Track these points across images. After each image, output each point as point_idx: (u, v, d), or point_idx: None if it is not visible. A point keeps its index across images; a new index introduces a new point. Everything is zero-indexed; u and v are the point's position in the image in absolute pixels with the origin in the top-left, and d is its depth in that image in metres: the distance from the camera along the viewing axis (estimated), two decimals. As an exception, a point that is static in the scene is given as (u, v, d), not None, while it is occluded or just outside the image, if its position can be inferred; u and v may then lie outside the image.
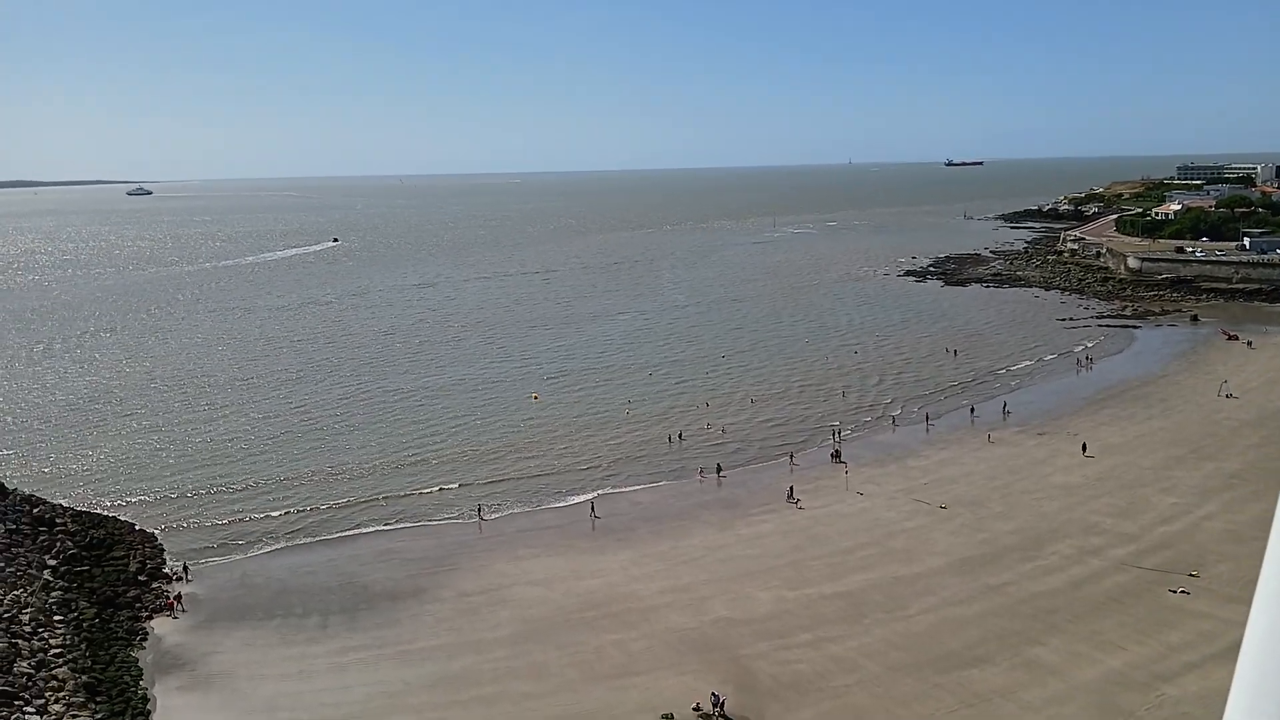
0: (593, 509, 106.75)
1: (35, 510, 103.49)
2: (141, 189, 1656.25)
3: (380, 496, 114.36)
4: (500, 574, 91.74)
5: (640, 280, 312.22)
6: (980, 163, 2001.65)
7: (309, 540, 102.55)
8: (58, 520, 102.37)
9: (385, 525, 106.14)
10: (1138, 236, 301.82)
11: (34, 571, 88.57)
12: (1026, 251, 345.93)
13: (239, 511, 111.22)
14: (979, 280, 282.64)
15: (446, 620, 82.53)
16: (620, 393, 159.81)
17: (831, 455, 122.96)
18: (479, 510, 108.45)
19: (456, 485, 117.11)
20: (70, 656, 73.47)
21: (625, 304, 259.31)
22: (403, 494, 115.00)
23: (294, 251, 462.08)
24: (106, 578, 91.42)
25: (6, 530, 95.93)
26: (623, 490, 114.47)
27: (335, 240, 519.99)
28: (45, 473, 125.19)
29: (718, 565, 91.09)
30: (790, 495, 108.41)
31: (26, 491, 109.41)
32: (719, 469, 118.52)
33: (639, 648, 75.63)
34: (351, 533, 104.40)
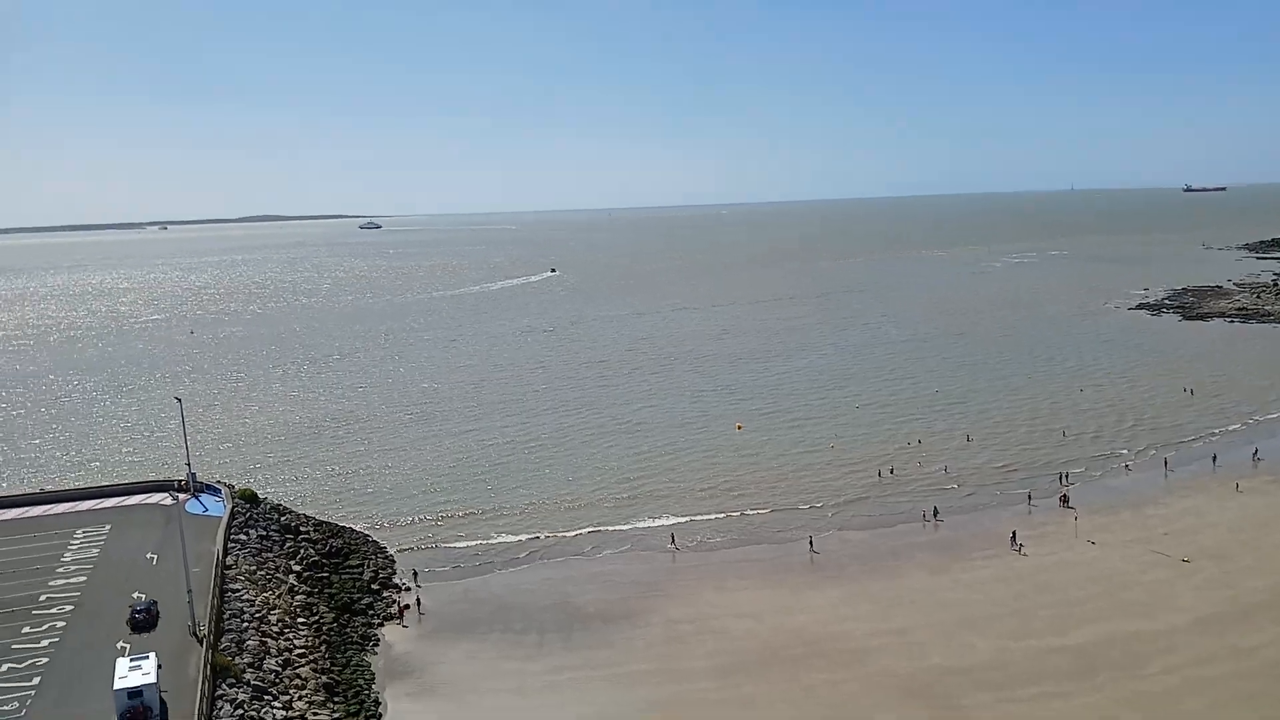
0: (811, 544, 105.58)
1: (283, 519, 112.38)
2: (372, 223, 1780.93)
3: (592, 520, 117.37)
4: (709, 603, 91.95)
5: (849, 312, 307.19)
6: (1223, 188, 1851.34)
7: (526, 559, 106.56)
8: (302, 529, 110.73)
9: (596, 548, 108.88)
10: None
11: (281, 575, 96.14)
12: (1276, 284, 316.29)
13: (462, 528, 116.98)
14: (1221, 315, 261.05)
15: (656, 646, 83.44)
16: (827, 426, 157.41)
17: (1060, 500, 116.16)
18: (672, 538, 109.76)
19: (663, 513, 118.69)
20: (312, 657, 79.13)
21: (834, 336, 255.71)
22: (613, 519, 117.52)
23: (514, 282, 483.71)
24: (343, 584, 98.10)
25: (258, 536, 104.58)
26: (832, 527, 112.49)
27: (553, 271, 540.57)
28: (291, 485, 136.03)
29: (934, 609, 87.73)
30: (1013, 540, 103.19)
31: (275, 501, 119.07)
32: (935, 512, 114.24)
33: (851, 690, 73.79)
34: (564, 555, 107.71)
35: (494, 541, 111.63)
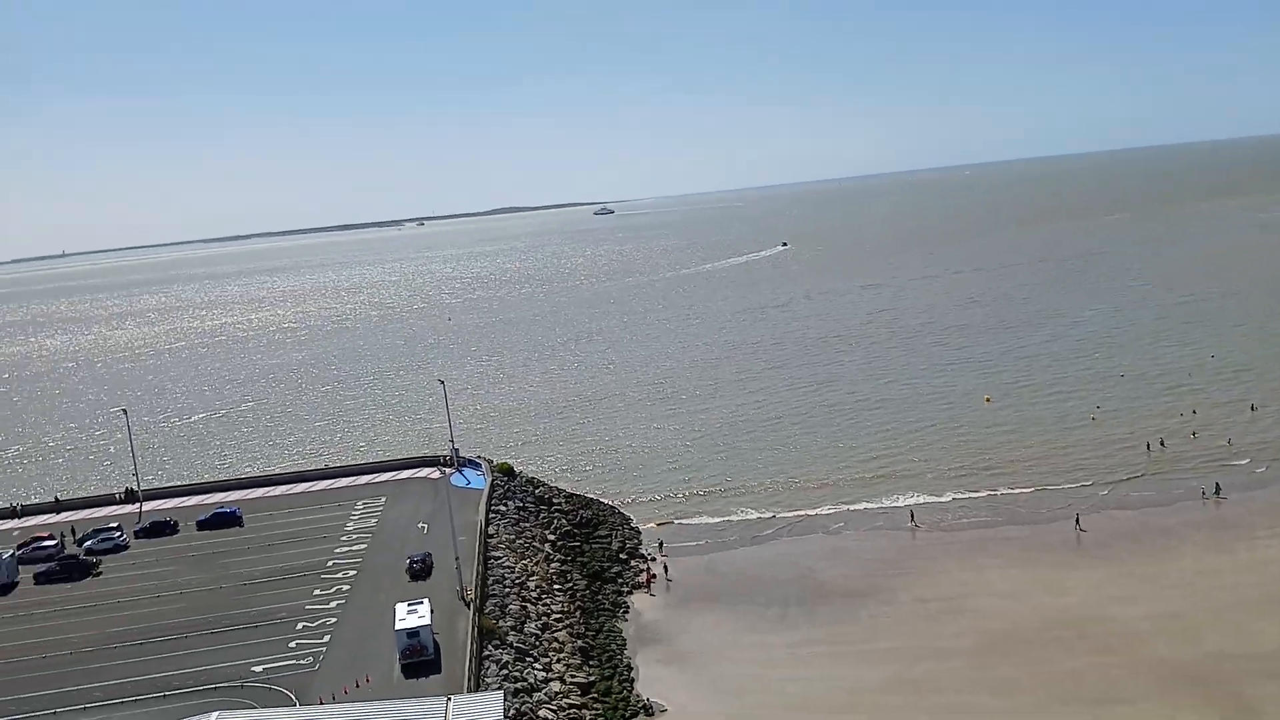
0: (1077, 522, 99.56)
1: (537, 491, 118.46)
2: (605, 208, 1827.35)
3: (832, 498, 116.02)
4: (959, 582, 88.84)
5: (1105, 274, 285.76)
6: None
7: (767, 534, 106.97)
8: (554, 500, 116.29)
9: (837, 525, 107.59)
10: None
11: (537, 544, 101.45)
12: None
13: (704, 503, 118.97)
14: None
15: (905, 623, 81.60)
16: (1086, 396, 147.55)
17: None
18: (911, 516, 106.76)
19: (907, 491, 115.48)
20: (567, 622, 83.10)
21: (1090, 301, 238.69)
22: (853, 497, 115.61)
23: (745, 258, 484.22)
24: (594, 554, 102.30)
25: (516, 507, 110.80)
26: (1098, 504, 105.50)
27: (784, 245, 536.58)
28: (543, 459, 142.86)
29: (1213, 592, 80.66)
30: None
31: (529, 474, 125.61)
32: (1217, 489, 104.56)
33: (1120, 675, 69.19)
34: (805, 531, 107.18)
35: (735, 516, 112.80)
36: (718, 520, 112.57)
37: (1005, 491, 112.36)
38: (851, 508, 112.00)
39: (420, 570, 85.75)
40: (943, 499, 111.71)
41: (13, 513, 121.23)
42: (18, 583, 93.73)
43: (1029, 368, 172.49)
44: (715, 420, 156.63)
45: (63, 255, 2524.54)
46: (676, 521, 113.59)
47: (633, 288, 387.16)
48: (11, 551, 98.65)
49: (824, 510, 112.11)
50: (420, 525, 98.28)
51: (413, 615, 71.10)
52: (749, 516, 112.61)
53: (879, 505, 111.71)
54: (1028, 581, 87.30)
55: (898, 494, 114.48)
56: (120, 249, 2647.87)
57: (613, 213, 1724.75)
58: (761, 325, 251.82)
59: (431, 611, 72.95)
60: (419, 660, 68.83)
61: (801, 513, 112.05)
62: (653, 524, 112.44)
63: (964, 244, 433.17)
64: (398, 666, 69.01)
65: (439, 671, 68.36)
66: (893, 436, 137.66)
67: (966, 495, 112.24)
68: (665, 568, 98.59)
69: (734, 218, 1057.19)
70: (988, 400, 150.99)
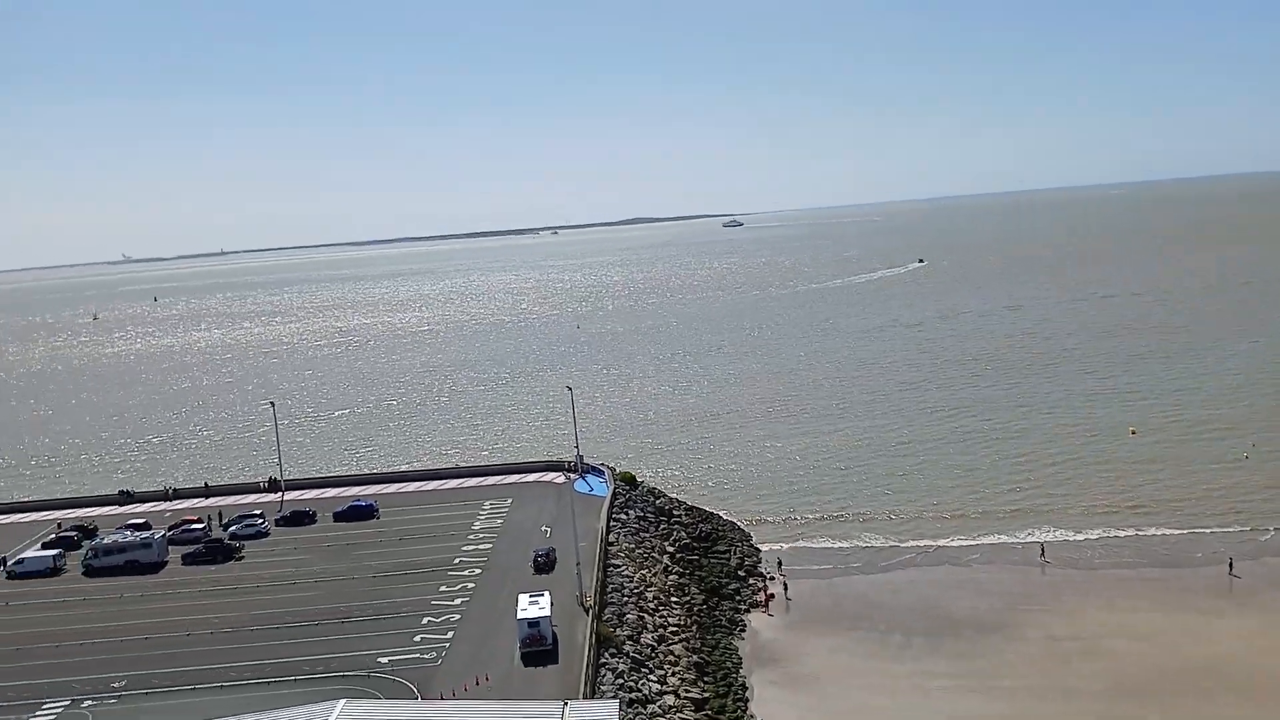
0: (1230, 567, 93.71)
1: (658, 501, 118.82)
2: (735, 221, 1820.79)
3: (963, 525, 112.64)
4: (1096, 622, 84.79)
5: (1271, 304, 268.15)
6: None
7: (892, 561, 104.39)
8: (674, 512, 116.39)
9: (964, 556, 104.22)
10: None
11: (656, 555, 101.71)
12: None
13: (827, 524, 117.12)
14: None
15: (1034, 661, 78.36)
16: (1244, 435, 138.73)
17: None
18: (1042, 550, 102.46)
19: (1041, 525, 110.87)
20: (684, 636, 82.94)
21: (1252, 331, 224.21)
22: (983, 528, 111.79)
23: (880, 274, 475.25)
24: (712, 568, 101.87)
25: (636, 516, 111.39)
26: (1255, 550, 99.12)
27: (920, 261, 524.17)
28: (664, 470, 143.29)
29: (1382, 653, 74.67)
30: None
31: (651, 485, 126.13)
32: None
33: (1268, 732, 64.78)
34: (932, 560, 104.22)
35: (859, 542, 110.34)
36: (841, 545, 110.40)
37: (1150, 532, 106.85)
38: (983, 540, 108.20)
39: (545, 564, 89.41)
40: (1081, 536, 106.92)
41: (165, 495, 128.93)
42: (167, 562, 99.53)
43: (1181, 401, 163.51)
44: (843, 442, 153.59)
45: (221, 254, 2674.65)
46: (798, 540, 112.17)
47: (762, 301, 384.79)
48: (163, 532, 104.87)
49: (954, 541, 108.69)
50: (544, 528, 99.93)
51: (534, 606, 74.37)
52: (873, 543, 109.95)
53: (1013, 539, 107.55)
54: (1170, 626, 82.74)
55: (1032, 528, 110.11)
56: (275, 249, 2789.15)
57: (742, 225, 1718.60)
58: (894, 344, 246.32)
59: (552, 604, 75.57)
60: (538, 649, 71.60)
61: (929, 542, 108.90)
62: (773, 540, 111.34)
63: (1113, 266, 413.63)
64: (518, 655, 71.84)
65: (556, 662, 70.97)
66: (1030, 468, 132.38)
67: (1107, 533, 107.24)
68: (785, 586, 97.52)
69: (867, 232, 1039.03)
70: (1133, 433, 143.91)
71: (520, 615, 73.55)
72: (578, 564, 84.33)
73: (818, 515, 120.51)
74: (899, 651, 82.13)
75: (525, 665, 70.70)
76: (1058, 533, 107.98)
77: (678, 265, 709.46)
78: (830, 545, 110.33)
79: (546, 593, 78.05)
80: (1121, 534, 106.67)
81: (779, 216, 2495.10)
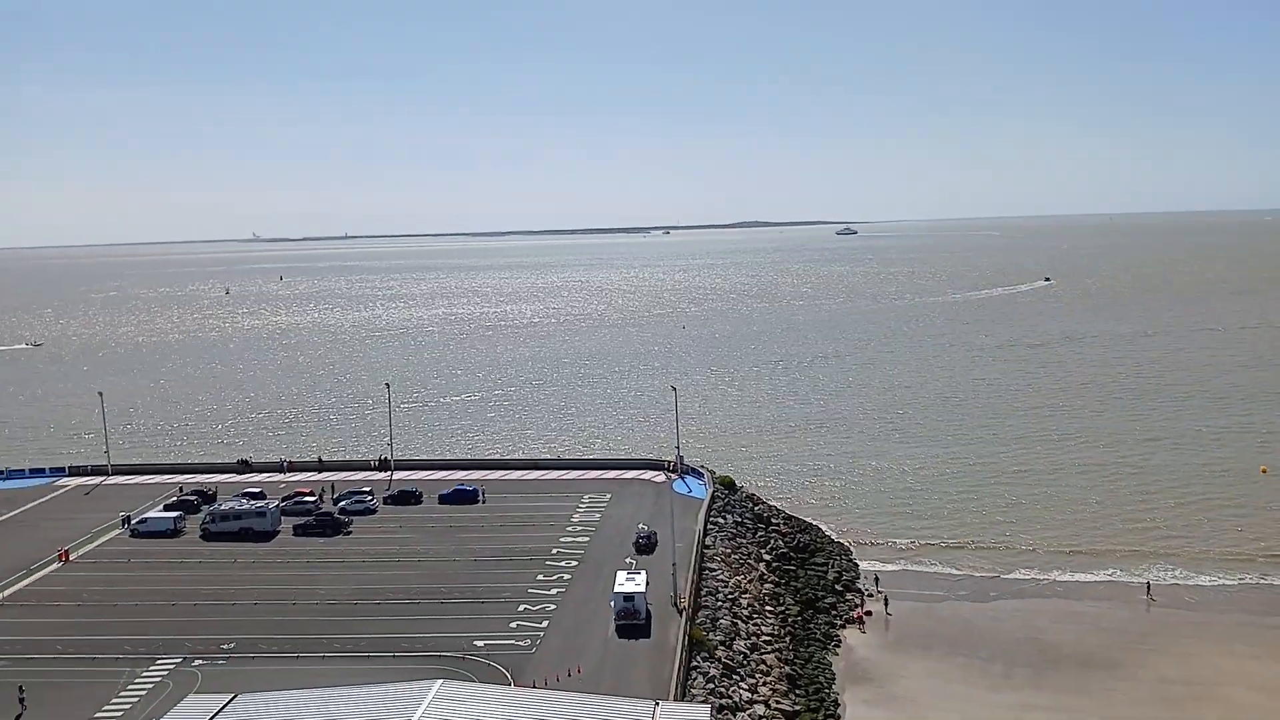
0: None
1: (756, 508, 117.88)
2: (849, 228, 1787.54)
3: (1075, 558, 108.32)
4: (1212, 667, 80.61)
5: None
6: None
7: (997, 585, 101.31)
8: (772, 520, 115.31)
9: (1079, 588, 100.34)
10: None
11: (752, 562, 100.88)
12: None
13: (930, 545, 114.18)
14: None
15: (1142, 702, 74.99)
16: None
17: None
18: (1148, 588, 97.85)
19: (1159, 561, 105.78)
20: (776, 646, 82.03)
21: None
22: (1100, 560, 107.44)
23: (1001, 290, 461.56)
24: (808, 580, 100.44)
25: (734, 521, 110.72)
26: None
27: (1047, 280, 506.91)
28: (764, 477, 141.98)
29: None
30: None
31: (749, 490, 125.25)
32: None
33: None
34: (1039, 586, 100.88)
35: (964, 567, 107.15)
36: (945, 569, 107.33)
37: (1263, 565, 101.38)
38: (1095, 575, 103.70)
39: (645, 545, 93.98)
40: (1202, 579, 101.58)
41: (280, 467, 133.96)
42: (279, 531, 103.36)
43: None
44: (954, 464, 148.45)
45: (345, 237, 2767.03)
46: (898, 560, 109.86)
47: (875, 312, 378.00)
48: (277, 503, 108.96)
49: (1064, 575, 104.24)
50: (640, 526, 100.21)
51: (630, 582, 78.51)
52: (979, 570, 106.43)
53: (1128, 577, 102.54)
54: (1294, 679, 78.02)
55: (1149, 565, 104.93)
56: (395, 235, 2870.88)
57: (855, 233, 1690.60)
58: (1015, 365, 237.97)
59: (648, 583, 78.79)
60: (631, 623, 75.84)
61: (1038, 574, 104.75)
62: (872, 557, 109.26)
63: (1257, 297, 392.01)
64: (613, 626, 76.18)
65: (648, 637, 74.25)
66: (1152, 504, 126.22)
67: (1231, 577, 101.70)
68: (886, 601, 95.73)
69: (987, 247, 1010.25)
70: (1264, 472, 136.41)
71: (617, 589, 77.64)
72: (673, 564, 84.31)
73: (922, 536, 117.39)
74: (999, 681, 79.63)
75: (619, 637, 74.77)
76: (1176, 573, 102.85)
77: (788, 271, 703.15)
78: (933, 568, 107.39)
79: (644, 571, 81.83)
80: (1246, 579, 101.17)
81: (894, 226, 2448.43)
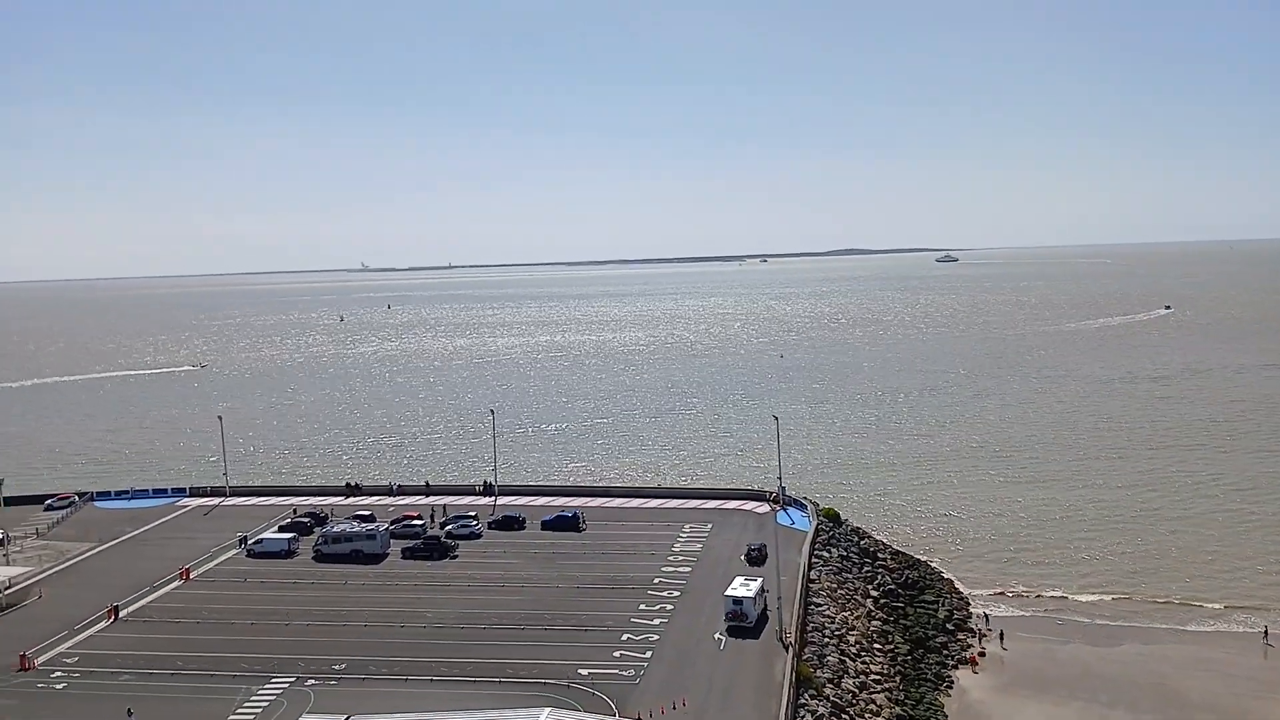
0: None
1: (861, 542, 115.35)
2: (949, 256, 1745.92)
3: (1201, 601, 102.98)
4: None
5: None
6: None
7: (1117, 630, 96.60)
8: (879, 554, 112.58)
9: (1210, 636, 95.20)
10: None
11: (859, 598, 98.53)
12: None
13: (1043, 583, 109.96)
14: None
15: (1280, 760, 70.41)
16: None
17: None
18: (1264, 633, 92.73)
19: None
20: (886, 686, 79.77)
21: None
22: (1226, 602, 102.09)
23: (1118, 319, 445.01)
24: (918, 618, 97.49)
25: (839, 555, 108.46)
26: None
27: (1167, 308, 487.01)
28: (869, 510, 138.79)
29: None
30: None
31: (854, 524, 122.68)
32: None
33: None
34: (1162, 632, 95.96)
35: (1079, 609, 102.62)
36: (1060, 611, 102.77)
37: None
38: (1227, 625, 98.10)
39: (756, 557, 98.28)
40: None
41: (389, 490, 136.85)
42: (388, 554, 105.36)
43: None
44: (1070, 504, 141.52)
45: (449, 267, 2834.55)
46: (1011, 597, 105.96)
47: (983, 342, 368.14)
48: (386, 526, 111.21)
49: (1193, 623, 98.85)
50: (743, 559, 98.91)
51: (743, 587, 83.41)
52: (1097, 614, 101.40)
53: (1255, 625, 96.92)
54: None
55: (1276, 613, 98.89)
56: (496, 265, 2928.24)
57: (956, 260, 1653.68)
58: (1135, 400, 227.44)
59: (764, 591, 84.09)
60: (740, 625, 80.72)
61: (1165, 620, 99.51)
62: (984, 595, 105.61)
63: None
64: (724, 625, 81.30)
65: (756, 638, 79.57)
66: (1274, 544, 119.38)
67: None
68: (1001, 635, 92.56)
69: (1102, 274, 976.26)
70: None
71: (728, 592, 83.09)
72: (779, 599, 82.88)
73: (1037, 577, 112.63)
74: (1122, 729, 75.80)
75: (731, 635, 79.99)
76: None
77: (888, 299, 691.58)
78: (1049, 611, 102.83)
79: (760, 579, 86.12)
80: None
81: (996, 253, 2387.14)
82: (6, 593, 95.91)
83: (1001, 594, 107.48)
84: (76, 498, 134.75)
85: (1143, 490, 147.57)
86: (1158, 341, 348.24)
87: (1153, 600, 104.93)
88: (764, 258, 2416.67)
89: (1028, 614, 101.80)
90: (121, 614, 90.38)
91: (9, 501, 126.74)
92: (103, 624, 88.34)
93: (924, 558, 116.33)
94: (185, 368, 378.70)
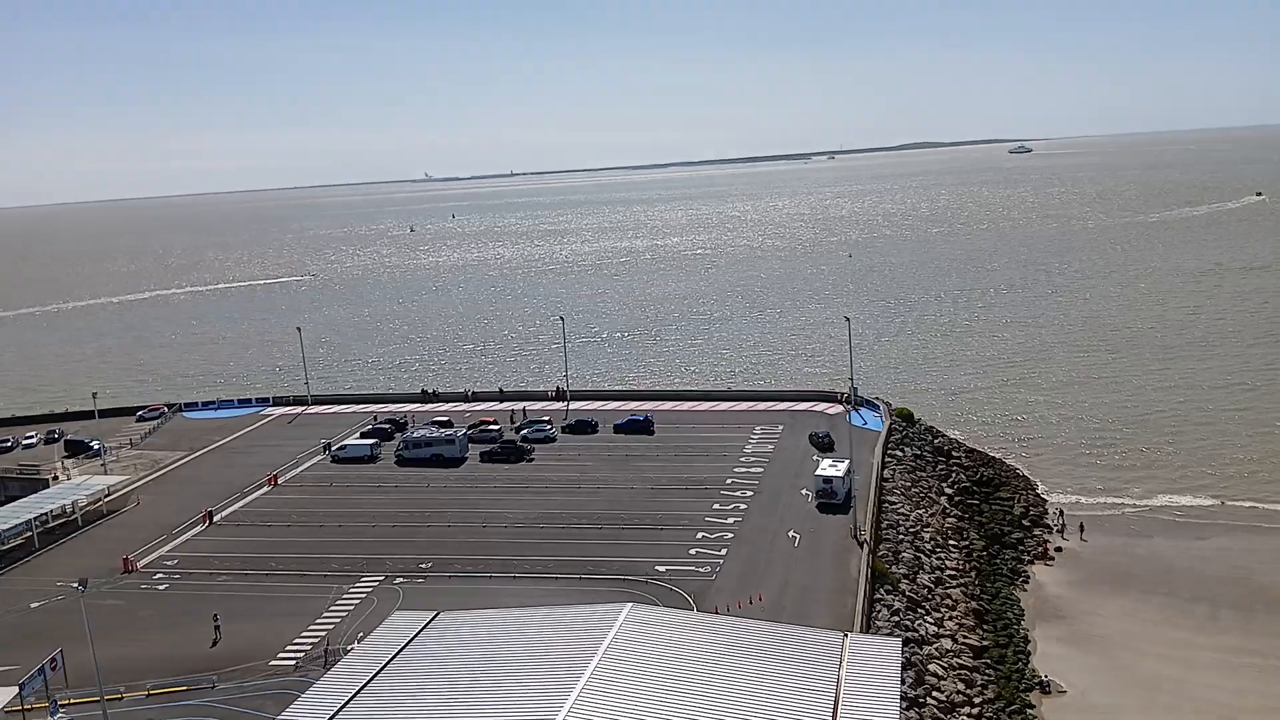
0: None
1: (935, 441, 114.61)
2: (1023, 147, 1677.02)
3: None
4: None
5: None
6: None
7: (1199, 526, 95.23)
8: (953, 453, 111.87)
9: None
10: None
11: (934, 496, 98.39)
12: None
13: (1124, 480, 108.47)
14: None
15: (1372, 655, 69.39)
16: None
17: None
18: None
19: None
20: (962, 581, 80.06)
21: None
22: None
23: (1205, 208, 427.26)
24: (992, 515, 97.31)
25: (913, 454, 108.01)
26: None
27: (1258, 195, 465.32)
28: (944, 409, 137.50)
29: None
30: None
31: (928, 423, 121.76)
32: None
33: None
34: (1246, 527, 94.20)
35: (1159, 506, 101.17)
36: (1142, 504, 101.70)
37: None
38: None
39: (824, 443, 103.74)
40: None
41: (464, 397, 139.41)
42: (468, 458, 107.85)
43: None
44: (1154, 390, 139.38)
45: (510, 174, 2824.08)
46: (1089, 494, 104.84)
47: (1061, 236, 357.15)
48: (465, 431, 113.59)
49: (1269, 505, 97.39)
50: (815, 458, 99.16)
51: (831, 468, 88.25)
52: (1178, 511, 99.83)
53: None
54: None
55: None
56: (557, 171, 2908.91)
57: (1030, 151, 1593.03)
58: (1224, 292, 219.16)
59: (850, 471, 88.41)
60: (829, 502, 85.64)
61: (1250, 511, 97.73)
62: (1061, 492, 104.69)
63: None
64: (814, 500, 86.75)
65: (845, 512, 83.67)
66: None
67: None
68: (1081, 526, 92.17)
69: (1182, 161, 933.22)
70: None
71: (817, 472, 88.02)
72: (853, 497, 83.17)
73: (1116, 475, 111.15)
74: (1204, 622, 75.41)
75: (820, 511, 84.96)
76: None
77: (962, 193, 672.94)
78: (1129, 503, 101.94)
79: (848, 460, 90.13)
80: None
81: (1074, 143, 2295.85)
82: (107, 499, 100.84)
83: (1079, 492, 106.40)
84: (166, 409, 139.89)
85: (1234, 390, 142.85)
86: (1248, 230, 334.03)
87: (1239, 498, 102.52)
88: (831, 154, 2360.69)
89: (1105, 511, 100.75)
90: (215, 518, 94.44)
91: (103, 414, 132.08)
92: (198, 528, 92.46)
93: (999, 455, 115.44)
94: (287, 279, 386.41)
